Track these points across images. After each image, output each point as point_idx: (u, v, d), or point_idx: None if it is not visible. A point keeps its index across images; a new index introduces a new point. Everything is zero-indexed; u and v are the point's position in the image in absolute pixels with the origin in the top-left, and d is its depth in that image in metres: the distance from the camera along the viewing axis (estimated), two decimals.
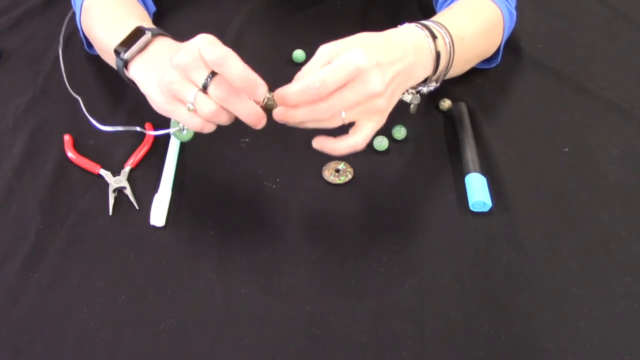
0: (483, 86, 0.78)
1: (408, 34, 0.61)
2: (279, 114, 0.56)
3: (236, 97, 0.53)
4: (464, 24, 0.68)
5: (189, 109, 0.54)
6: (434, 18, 0.67)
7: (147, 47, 0.61)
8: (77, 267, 0.60)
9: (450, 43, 0.64)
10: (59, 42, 0.81)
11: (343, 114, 0.54)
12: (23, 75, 0.79)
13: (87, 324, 0.56)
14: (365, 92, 0.53)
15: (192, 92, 0.53)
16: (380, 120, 0.57)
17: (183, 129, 0.61)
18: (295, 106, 0.54)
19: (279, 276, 0.59)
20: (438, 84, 0.67)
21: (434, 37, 0.61)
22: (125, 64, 0.61)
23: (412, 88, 0.65)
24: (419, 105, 0.67)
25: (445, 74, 0.66)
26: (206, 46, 0.51)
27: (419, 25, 0.62)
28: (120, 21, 0.66)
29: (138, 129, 0.66)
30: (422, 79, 0.62)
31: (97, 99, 0.76)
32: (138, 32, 0.61)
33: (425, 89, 0.66)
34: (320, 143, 0.57)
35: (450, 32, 0.64)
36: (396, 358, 0.54)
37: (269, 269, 0.60)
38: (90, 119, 0.70)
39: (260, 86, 0.52)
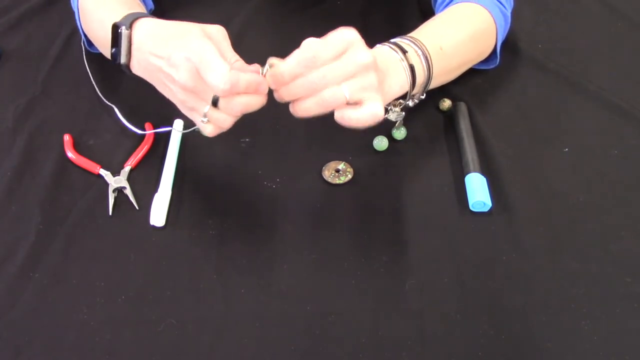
0: (483, 86, 0.78)
1: (376, 51, 0.63)
2: (277, 92, 0.56)
3: (245, 105, 0.55)
4: (442, 34, 0.68)
5: (202, 122, 0.57)
6: (412, 33, 0.68)
7: (132, 42, 0.60)
8: (77, 267, 0.60)
9: (425, 54, 0.64)
10: (72, 42, 0.83)
11: (345, 91, 0.54)
12: (23, 75, 0.79)
13: (87, 324, 0.56)
14: (356, 61, 0.54)
15: (204, 108, 0.56)
16: (380, 98, 0.56)
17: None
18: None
19: (279, 276, 0.59)
20: (423, 96, 0.68)
21: (404, 51, 0.63)
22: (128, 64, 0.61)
23: (396, 106, 0.66)
24: (404, 118, 0.68)
25: (427, 86, 0.67)
26: (207, 72, 0.52)
27: (387, 44, 0.64)
28: (113, 12, 0.64)
29: (173, 129, 0.70)
30: (399, 92, 0.62)
31: (98, 97, 0.76)
32: (115, 31, 0.60)
33: (410, 103, 0.67)
34: (341, 113, 0.55)
35: (425, 44, 0.65)
36: (396, 358, 0.54)
37: (269, 269, 0.60)
38: (128, 124, 0.70)
39: (262, 83, 0.55)
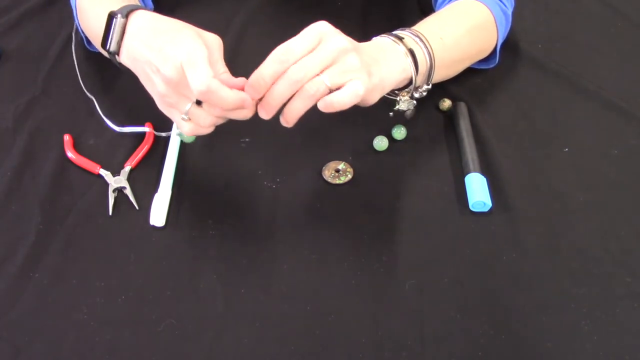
0: (483, 86, 0.78)
1: (371, 41, 0.64)
2: (262, 106, 0.56)
3: (230, 111, 0.56)
4: (441, 26, 0.69)
5: (182, 119, 0.57)
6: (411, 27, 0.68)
7: (125, 31, 0.60)
8: (77, 267, 0.60)
9: (423, 42, 0.64)
10: (71, 40, 0.83)
11: (325, 79, 0.54)
12: (23, 75, 0.79)
13: (87, 324, 0.56)
14: (331, 47, 0.55)
15: (186, 106, 0.56)
16: (364, 78, 0.56)
17: None
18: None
19: (279, 276, 0.59)
20: (429, 86, 0.68)
21: (400, 38, 0.63)
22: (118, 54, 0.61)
23: (404, 95, 0.66)
24: (415, 109, 0.69)
25: (432, 74, 0.67)
26: (191, 71, 0.52)
27: (382, 35, 0.65)
28: (110, 9, 0.64)
29: (149, 129, 0.70)
30: (402, 77, 0.62)
31: (97, 97, 0.76)
32: (110, 19, 0.60)
33: (417, 94, 0.67)
34: (324, 102, 0.55)
35: (422, 32, 0.65)
36: (396, 358, 0.54)
37: (269, 269, 0.60)
38: (105, 119, 0.71)
39: (247, 100, 0.55)
